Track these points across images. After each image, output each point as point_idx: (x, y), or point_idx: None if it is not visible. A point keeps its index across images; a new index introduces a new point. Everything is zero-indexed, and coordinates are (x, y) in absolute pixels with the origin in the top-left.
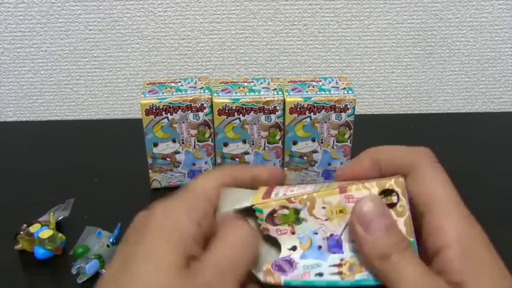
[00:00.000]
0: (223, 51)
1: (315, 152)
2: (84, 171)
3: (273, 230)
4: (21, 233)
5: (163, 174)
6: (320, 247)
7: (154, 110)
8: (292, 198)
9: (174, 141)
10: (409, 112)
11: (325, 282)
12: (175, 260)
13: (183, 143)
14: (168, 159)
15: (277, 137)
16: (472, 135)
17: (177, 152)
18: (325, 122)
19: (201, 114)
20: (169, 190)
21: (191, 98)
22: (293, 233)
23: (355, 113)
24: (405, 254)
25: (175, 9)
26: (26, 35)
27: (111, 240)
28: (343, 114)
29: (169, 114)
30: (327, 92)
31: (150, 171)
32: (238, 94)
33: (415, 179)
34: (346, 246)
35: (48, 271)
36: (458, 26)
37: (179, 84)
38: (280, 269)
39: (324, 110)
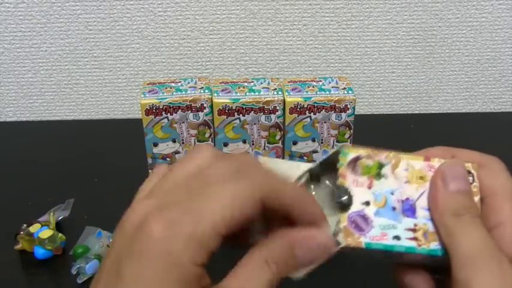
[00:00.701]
0: (223, 51)
1: (315, 152)
2: (84, 171)
3: (350, 179)
4: (21, 233)
5: None
6: (394, 208)
7: (154, 110)
8: (379, 151)
9: (174, 141)
10: (409, 112)
11: (403, 247)
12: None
13: (183, 143)
14: (168, 159)
15: (277, 137)
16: (472, 135)
17: (177, 152)
18: (325, 122)
19: (201, 114)
20: None
21: (191, 98)
22: (370, 187)
23: (355, 113)
24: (477, 219)
25: (175, 9)
26: (26, 35)
27: (111, 240)
28: (343, 114)
29: (169, 114)
30: (327, 92)
31: (150, 171)
32: (238, 94)
33: (483, 173)
34: (419, 212)
35: (48, 271)
36: (458, 26)
37: (179, 84)
38: (357, 227)
39: (324, 110)
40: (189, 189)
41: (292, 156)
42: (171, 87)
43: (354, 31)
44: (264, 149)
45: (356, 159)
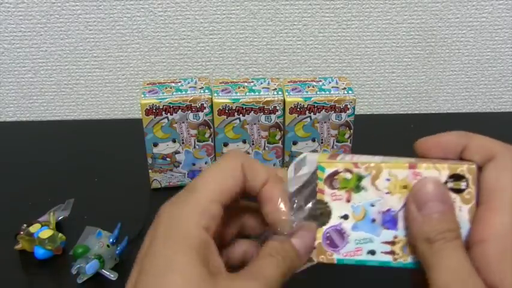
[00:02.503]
0: (223, 51)
1: (315, 152)
2: (84, 171)
3: (327, 194)
4: (21, 233)
5: (163, 174)
6: (374, 220)
7: (154, 110)
8: (359, 164)
9: (174, 141)
10: (409, 112)
11: (377, 262)
12: (198, 270)
13: (183, 143)
14: (168, 159)
15: (277, 137)
16: None
17: (177, 152)
18: (325, 122)
19: (201, 114)
20: (169, 190)
21: (191, 98)
22: (348, 200)
23: (355, 113)
24: (451, 244)
25: (175, 9)
26: (26, 35)
27: (111, 240)
28: (343, 114)
29: (169, 114)
30: (327, 92)
31: (150, 171)
32: (238, 94)
33: (491, 168)
34: (401, 224)
35: (48, 271)
36: (458, 26)
37: (179, 84)
38: (332, 244)
39: (324, 110)
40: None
41: (292, 156)
42: (171, 87)
43: (354, 31)
44: (264, 149)
45: (334, 174)
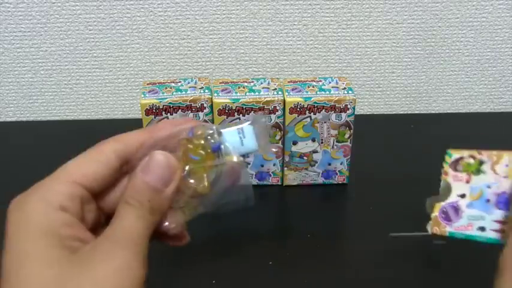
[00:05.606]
0: (223, 51)
1: (315, 152)
2: None
3: (451, 175)
4: None
5: None
6: (488, 200)
7: (154, 110)
8: (482, 151)
9: None
10: (409, 112)
11: (485, 238)
12: (56, 252)
13: None
14: None
15: (277, 137)
16: (472, 135)
17: None
18: (325, 122)
19: (201, 114)
20: None
21: (191, 98)
22: (468, 182)
23: (355, 113)
24: None
25: (175, 9)
26: (26, 35)
27: None
28: (343, 114)
29: (169, 114)
30: (327, 92)
31: None
32: (238, 94)
33: None
34: None
35: None
36: (458, 26)
37: (179, 84)
38: (446, 217)
39: (324, 110)
40: None
41: (292, 156)
42: (171, 87)
43: (354, 31)
44: None
45: (459, 159)
